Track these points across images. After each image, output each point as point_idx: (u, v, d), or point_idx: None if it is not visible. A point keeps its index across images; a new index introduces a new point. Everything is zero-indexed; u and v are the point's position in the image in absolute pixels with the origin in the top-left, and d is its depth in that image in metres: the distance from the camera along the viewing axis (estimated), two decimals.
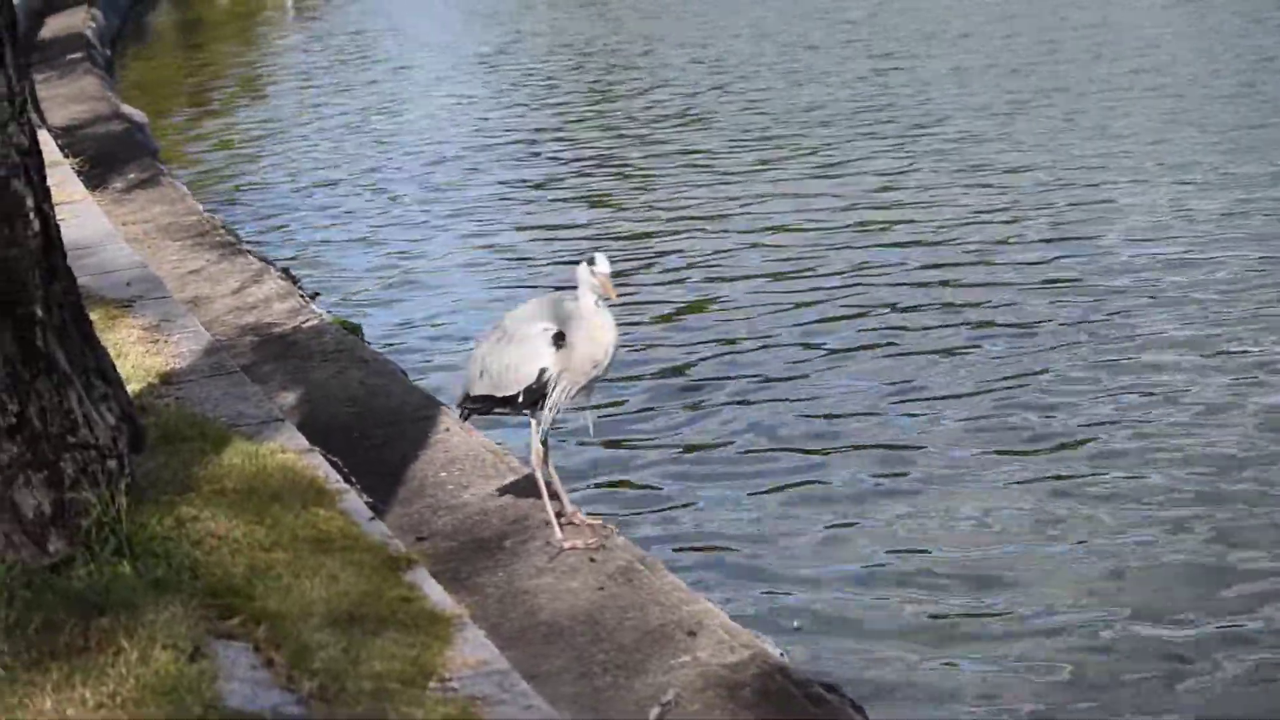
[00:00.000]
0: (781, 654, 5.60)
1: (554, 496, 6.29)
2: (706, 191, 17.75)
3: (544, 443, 6.19)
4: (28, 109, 5.31)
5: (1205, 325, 12.12)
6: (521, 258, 15.39)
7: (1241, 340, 11.79)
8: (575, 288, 5.97)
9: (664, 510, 9.40)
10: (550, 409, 6.03)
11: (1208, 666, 7.55)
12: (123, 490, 5.25)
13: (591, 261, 5.88)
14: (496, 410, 6.28)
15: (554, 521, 6.23)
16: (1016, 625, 7.99)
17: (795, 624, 7.86)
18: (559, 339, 5.94)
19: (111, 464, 5.31)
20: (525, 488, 6.70)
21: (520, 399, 6.05)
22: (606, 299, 5.90)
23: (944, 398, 10.96)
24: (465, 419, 6.76)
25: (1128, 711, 7.27)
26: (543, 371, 5.96)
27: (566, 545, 6.17)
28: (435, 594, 5.23)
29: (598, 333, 5.94)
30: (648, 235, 15.79)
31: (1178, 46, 25.17)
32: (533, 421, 6.12)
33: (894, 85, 23.47)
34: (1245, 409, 10.49)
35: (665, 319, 13.08)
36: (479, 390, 6.20)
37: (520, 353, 5.99)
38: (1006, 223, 15.51)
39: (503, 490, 6.81)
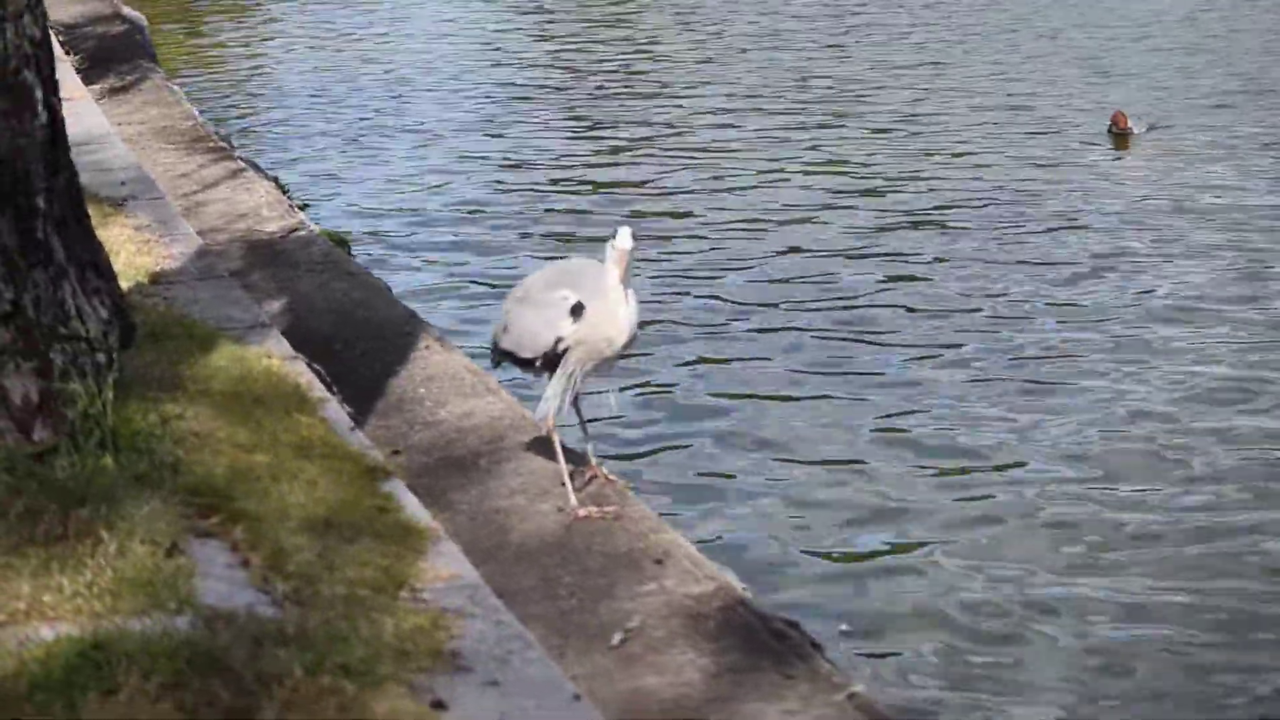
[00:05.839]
0: (744, 589, 5.68)
1: (570, 455, 6.03)
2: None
3: (574, 404, 5.91)
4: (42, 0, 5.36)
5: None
6: (524, 198, 15.29)
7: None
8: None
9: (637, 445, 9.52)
10: (566, 378, 5.78)
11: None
12: (110, 384, 5.31)
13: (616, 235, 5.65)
14: (518, 367, 6.08)
15: (569, 484, 5.91)
16: (977, 571, 8.13)
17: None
18: (578, 310, 5.72)
19: (100, 357, 5.39)
20: (503, 409, 6.75)
21: (538, 363, 5.88)
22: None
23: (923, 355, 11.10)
24: (496, 366, 6.39)
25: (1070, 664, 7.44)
26: (558, 341, 5.75)
27: (581, 513, 5.84)
28: (411, 506, 5.31)
29: (616, 309, 5.69)
30: (676, 193, 15.58)
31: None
32: (550, 385, 5.85)
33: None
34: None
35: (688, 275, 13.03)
36: (504, 345, 6.04)
37: (539, 318, 5.80)
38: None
39: (480, 410, 6.85)
